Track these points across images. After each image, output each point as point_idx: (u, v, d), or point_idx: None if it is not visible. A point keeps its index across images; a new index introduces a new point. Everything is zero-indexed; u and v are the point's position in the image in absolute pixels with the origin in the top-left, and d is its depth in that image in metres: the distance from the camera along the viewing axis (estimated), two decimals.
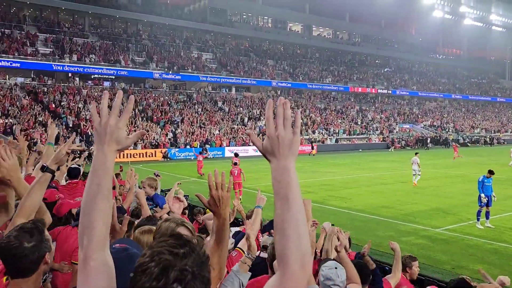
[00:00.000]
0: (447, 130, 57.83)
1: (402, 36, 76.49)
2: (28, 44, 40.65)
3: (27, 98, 35.80)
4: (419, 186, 19.77)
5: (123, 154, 32.11)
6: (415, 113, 62.66)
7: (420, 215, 13.87)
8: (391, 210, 14.57)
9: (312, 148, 40.18)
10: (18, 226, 2.24)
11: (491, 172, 12.68)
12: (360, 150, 44.14)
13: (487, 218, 12.41)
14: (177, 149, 34.52)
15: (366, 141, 48.71)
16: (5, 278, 2.22)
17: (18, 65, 37.88)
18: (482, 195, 12.38)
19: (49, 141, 4.46)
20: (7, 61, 37.27)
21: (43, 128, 31.16)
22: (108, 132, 1.33)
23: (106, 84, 43.64)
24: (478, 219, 12.40)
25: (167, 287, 1.08)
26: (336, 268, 3.49)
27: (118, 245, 2.12)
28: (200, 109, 44.01)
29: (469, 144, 53.00)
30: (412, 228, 12.31)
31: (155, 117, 39.35)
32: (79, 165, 6.97)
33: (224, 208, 2.06)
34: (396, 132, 53.64)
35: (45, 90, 37.74)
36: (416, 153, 21.69)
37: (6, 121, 31.00)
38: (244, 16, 61.74)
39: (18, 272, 2.13)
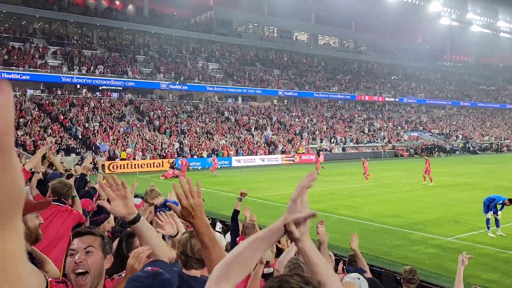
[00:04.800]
0: (456, 138, 57.37)
1: (409, 44, 76.39)
2: (38, 57, 41.16)
3: (36, 110, 36.14)
4: (427, 194, 19.57)
5: (131, 165, 32.28)
6: (423, 121, 62.33)
7: (429, 223, 13.68)
8: (400, 219, 14.39)
9: (318, 156, 39.28)
10: None
11: None
12: (368, 158, 43.87)
13: (497, 226, 12.20)
14: (186, 159, 34.50)
15: (373, 149, 48.43)
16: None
17: (28, 77, 38.35)
18: (489, 215, 12.11)
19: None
20: (18, 74, 37.77)
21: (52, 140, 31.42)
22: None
23: (114, 95, 43.98)
24: (488, 228, 12.19)
25: None
26: (359, 278, 3.47)
27: (150, 268, 2.06)
28: (207, 119, 44.13)
29: (478, 152, 52.58)
30: (421, 237, 12.12)
31: (162, 127, 39.51)
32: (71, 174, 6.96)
33: (200, 216, 1.86)
34: (404, 140, 53.34)
35: (54, 102, 38.10)
36: None
37: (18, 132, 31.23)
38: (250, 26, 62.11)
39: None
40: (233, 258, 1.35)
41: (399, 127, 57.33)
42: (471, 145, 54.98)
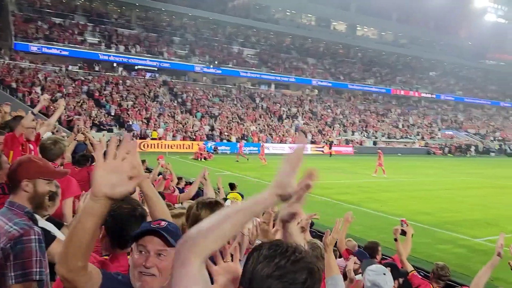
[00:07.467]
0: (492, 139, 55.32)
1: (450, 40, 73.44)
2: (77, 33, 42.05)
3: (73, 85, 37.03)
4: (463, 195, 18.96)
5: (162, 145, 32.74)
6: (459, 120, 60.34)
7: (460, 224, 13.28)
8: (431, 217, 14.01)
9: (330, 147, 38.92)
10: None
11: None
12: (399, 154, 42.98)
13: None
14: (213, 143, 34.79)
15: (405, 145, 47.29)
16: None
17: (67, 53, 39.27)
18: None
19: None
20: (57, 49, 38.78)
21: (88, 116, 32.23)
22: None
23: (149, 75, 44.54)
24: None
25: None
26: (384, 274, 3.32)
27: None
28: (238, 104, 44.16)
29: None
30: (450, 237, 11.80)
31: (194, 110, 39.82)
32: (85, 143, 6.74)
33: None
34: (438, 138, 51.88)
35: (91, 79, 38.94)
36: None
37: (55, 105, 32.04)
38: (287, 13, 61.31)
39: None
40: (208, 229, 1.24)
41: (433, 124, 55.76)
42: (509, 147, 52.98)
